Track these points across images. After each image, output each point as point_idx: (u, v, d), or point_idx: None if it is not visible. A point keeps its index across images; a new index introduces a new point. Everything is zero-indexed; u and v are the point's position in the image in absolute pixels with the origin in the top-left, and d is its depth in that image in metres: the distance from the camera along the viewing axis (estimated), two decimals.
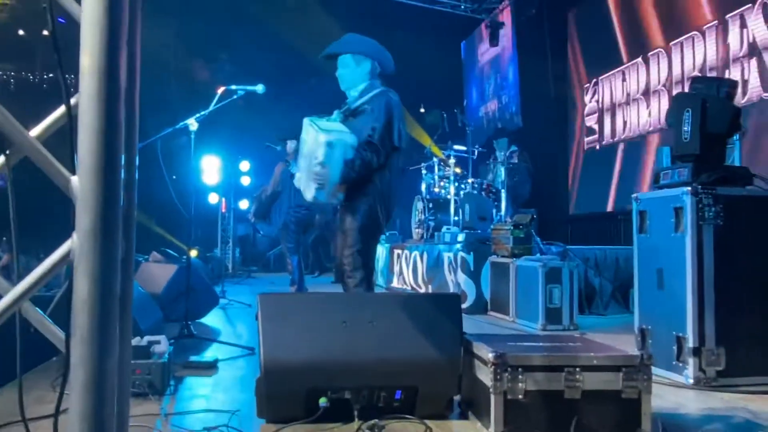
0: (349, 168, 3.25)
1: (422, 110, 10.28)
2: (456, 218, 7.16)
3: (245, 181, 12.08)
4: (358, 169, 3.26)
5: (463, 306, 5.44)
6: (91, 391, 0.81)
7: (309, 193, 3.39)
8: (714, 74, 6.52)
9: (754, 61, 6.14)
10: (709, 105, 3.19)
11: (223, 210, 11.93)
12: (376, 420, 2.22)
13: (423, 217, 7.54)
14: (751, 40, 6.15)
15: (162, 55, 11.11)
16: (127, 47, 1.01)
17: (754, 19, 6.10)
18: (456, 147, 7.75)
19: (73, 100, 1.00)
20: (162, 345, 2.89)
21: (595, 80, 9.18)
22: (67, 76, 1.02)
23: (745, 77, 6.21)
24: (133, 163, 1.14)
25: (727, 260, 3.03)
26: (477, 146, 8.04)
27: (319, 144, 3.26)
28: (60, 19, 1.06)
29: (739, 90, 5.99)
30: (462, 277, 5.88)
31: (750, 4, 6.14)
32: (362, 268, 3.36)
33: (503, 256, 5.49)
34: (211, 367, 3.31)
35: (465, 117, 8.58)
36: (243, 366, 3.43)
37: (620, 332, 4.52)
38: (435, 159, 7.79)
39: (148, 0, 1.29)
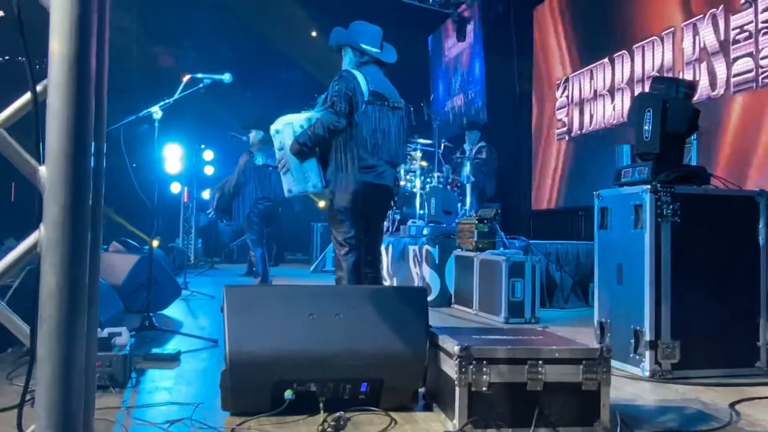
0: (301, 139, 3.33)
1: None
2: (421, 212, 7.20)
3: (209, 170, 11.88)
4: (311, 137, 3.31)
5: (428, 299, 5.50)
6: (58, 386, 0.80)
7: (285, 188, 3.48)
8: (670, 74, 6.91)
9: (704, 65, 6.74)
10: (669, 105, 3.28)
11: (186, 200, 11.73)
12: (341, 412, 2.22)
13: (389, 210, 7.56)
14: (702, 46, 6.75)
15: (124, 40, 10.82)
16: (96, 34, 0.99)
17: (705, 28, 6.71)
18: (422, 141, 7.77)
19: (39, 87, 0.97)
20: (123, 337, 2.84)
21: (565, 77, 9.41)
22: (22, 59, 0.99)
23: (696, 78, 6.76)
24: (101, 151, 1.11)
25: (683, 257, 3.13)
26: (443, 140, 8.08)
27: (273, 137, 3.45)
28: None
29: None
30: (427, 270, 5.92)
31: (701, 15, 6.74)
32: (343, 258, 3.40)
33: (468, 250, 5.55)
34: (173, 359, 3.26)
35: (431, 111, 8.62)
36: (206, 358, 3.39)
37: (580, 325, 4.63)
38: None
39: None
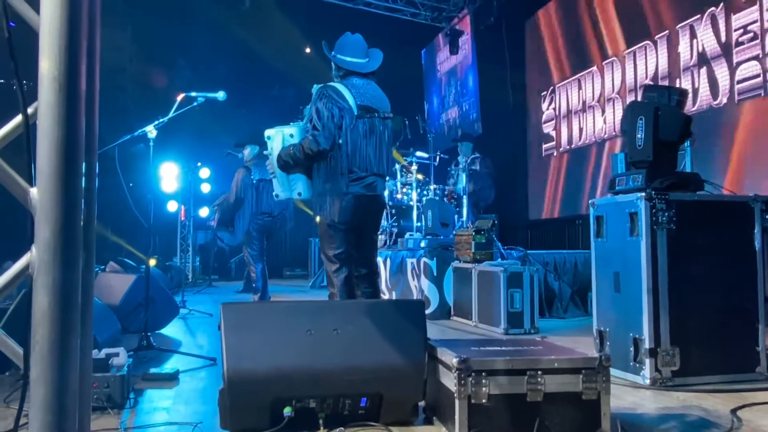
0: (284, 156, 3.37)
1: None
2: (419, 224, 7.20)
3: (205, 188, 11.87)
4: (292, 157, 3.34)
5: (427, 311, 5.47)
6: (52, 408, 0.79)
7: (275, 192, 3.55)
8: (666, 83, 6.68)
9: (704, 71, 6.33)
10: (661, 113, 3.29)
11: (183, 218, 11.70)
12: (341, 428, 2.21)
13: (386, 223, 7.56)
14: (700, 50, 6.34)
15: (118, 59, 10.87)
16: (87, 53, 1.00)
17: (703, 30, 6.29)
18: (418, 153, 7.79)
19: (30, 109, 0.98)
20: (121, 357, 2.82)
21: (551, 88, 9.38)
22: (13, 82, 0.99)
23: (696, 86, 6.39)
24: (93, 171, 1.12)
25: (680, 263, 3.13)
26: (439, 152, 8.11)
27: (266, 141, 3.51)
28: (10, 24, 1.03)
29: (690, 98, 6.21)
30: (425, 282, 5.91)
31: (698, 15, 6.35)
32: (334, 275, 3.37)
33: (465, 262, 5.55)
34: (171, 378, 3.24)
35: (426, 124, 8.65)
36: (205, 377, 3.37)
37: (579, 335, 4.62)
38: (397, 165, 7.82)
39: (104, 2, 1.26)
